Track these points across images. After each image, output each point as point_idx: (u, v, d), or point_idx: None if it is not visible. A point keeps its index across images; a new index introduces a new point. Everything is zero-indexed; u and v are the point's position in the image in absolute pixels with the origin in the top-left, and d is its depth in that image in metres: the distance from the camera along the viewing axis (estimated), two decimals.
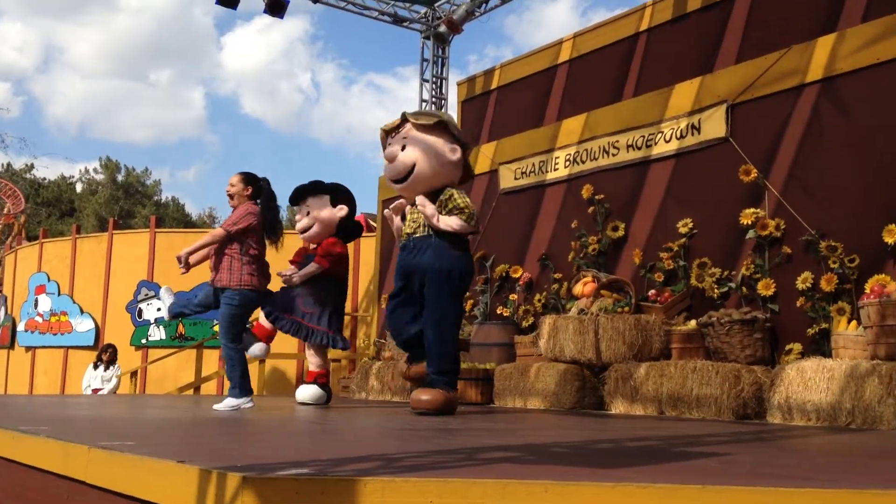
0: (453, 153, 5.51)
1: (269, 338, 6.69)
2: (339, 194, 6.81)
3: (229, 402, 5.71)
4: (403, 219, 5.67)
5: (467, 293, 5.75)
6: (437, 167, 5.50)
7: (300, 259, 6.83)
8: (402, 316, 5.60)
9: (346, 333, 12.31)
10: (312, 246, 6.87)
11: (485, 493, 1.88)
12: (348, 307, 9.60)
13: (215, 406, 5.76)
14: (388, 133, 5.77)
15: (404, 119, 5.67)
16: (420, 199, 5.42)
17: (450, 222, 5.33)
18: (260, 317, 6.54)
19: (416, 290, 5.49)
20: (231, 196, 6.03)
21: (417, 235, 5.45)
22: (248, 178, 6.08)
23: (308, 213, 6.79)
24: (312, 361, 6.78)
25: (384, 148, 5.78)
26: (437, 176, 5.51)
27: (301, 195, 6.87)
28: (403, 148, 5.57)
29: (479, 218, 5.49)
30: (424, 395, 5.24)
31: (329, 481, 1.89)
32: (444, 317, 5.36)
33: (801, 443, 3.65)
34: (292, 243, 7.00)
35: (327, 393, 6.65)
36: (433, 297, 5.37)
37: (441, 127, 5.54)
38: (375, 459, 2.40)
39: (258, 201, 6.06)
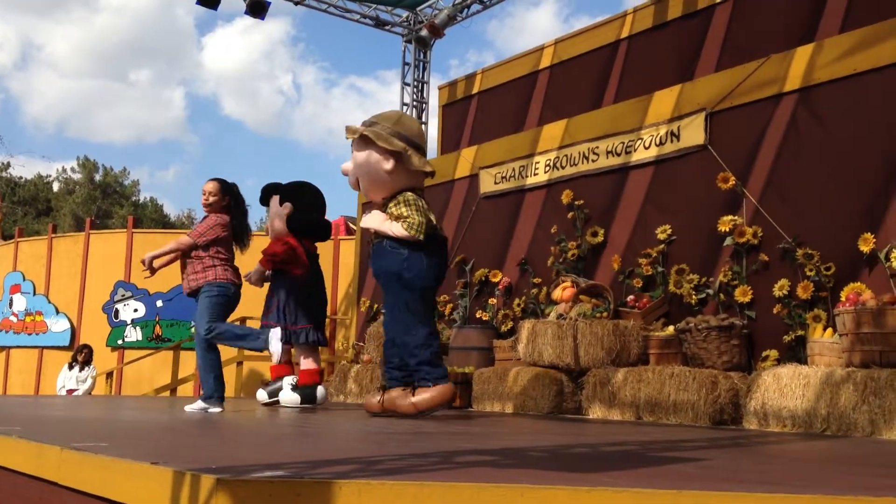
0: (386, 163, 5.31)
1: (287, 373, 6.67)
2: (286, 194, 6.73)
3: (199, 405, 5.67)
4: None
5: (433, 293, 5.65)
6: (377, 179, 5.40)
7: None
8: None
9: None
10: None
11: (461, 496, 1.88)
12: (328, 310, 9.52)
13: (186, 407, 5.71)
14: None
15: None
16: (368, 215, 5.47)
17: (393, 229, 5.28)
18: (272, 357, 6.18)
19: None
20: (210, 205, 6.03)
21: (376, 241, 5.50)
22: (226, 188, 6.11)
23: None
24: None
25: None
26: (381, 188, 5.42)
27: (265, 196, 6.89)
28: None
29: (427, 226, 5.22)
30: (404, 400, 5.35)
31: (304, 484, 1.88)
32: (398, 320, 5.36)
33: (776, 449, 3.67)
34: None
35: (299, 395, 6.45)
36: (387, 299, 5.48)
37: (367, 140, 5.36)
38: (352, 462, 2.39)
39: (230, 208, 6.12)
